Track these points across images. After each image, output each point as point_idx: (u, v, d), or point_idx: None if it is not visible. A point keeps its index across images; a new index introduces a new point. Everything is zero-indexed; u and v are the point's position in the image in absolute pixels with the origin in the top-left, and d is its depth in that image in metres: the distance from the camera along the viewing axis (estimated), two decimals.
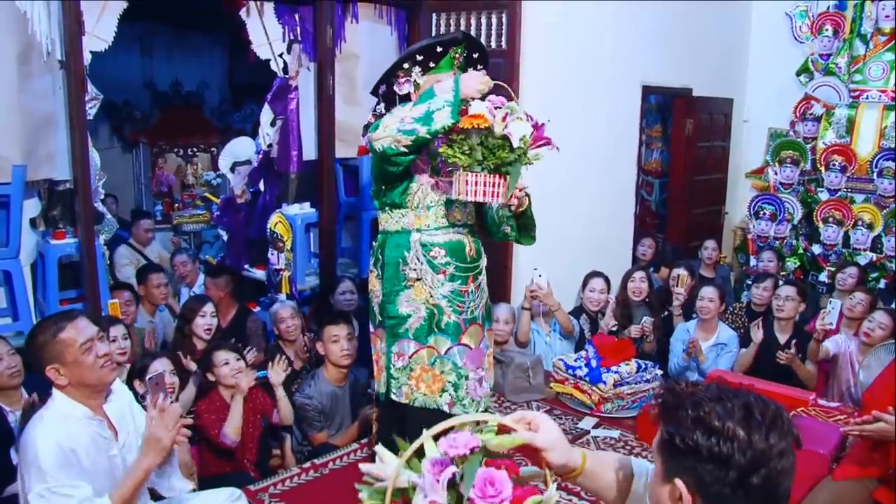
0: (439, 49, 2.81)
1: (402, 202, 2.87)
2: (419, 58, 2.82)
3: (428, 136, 2.61)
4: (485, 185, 2.51)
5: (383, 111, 2.94)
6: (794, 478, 1.32)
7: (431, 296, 2.85)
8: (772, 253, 6.11)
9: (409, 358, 2.87)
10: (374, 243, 3.04)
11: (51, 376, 2.30)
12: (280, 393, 3.66)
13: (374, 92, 3.00)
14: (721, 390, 1.35)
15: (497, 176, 2.51)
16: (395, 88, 2.89)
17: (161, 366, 3.27)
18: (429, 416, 2.90)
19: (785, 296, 4.53)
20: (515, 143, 2.47)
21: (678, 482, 1.33)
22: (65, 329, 2.29)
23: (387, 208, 2.91)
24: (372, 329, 3.04)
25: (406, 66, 2.84)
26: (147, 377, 3.06)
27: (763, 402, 1.33)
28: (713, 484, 1.29)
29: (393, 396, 2.91)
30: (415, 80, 2.83)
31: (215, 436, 3.39)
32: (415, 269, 2.83)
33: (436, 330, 2.88)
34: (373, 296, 2.98)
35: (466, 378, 2.93)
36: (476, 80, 2.63)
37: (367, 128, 2.97)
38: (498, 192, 2.53)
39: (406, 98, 2.89)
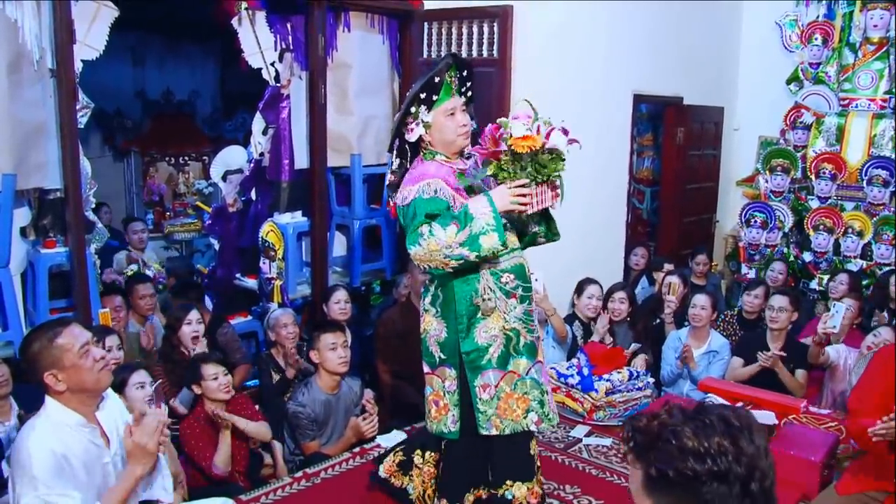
0: (437, 80, 2.77)
1: None
2: (422, 96, 2.77)
3: (477, 260, 2.68)
4: (543, 195, 2.72)
5: (398, 168, 2.88)
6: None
7: (507, 321, 2.82)
8: (783, 265, 6.06)
9: (495, 388, 2.83)
10: (427, 284, 2.97)
11: (49, 382, 2.28)
12: (243, 424, 3.54)
13: (390, 149, 2.91)
14: (684, 412, 1.35)
15: (551, 184, 2.73)
16: (407, 137, 2.82)
17: (139, 378, 3.24)
18: (513, 441, 2.91)
19: (779, 307, 4.52)
20: (565, 154, 2.68)
21: None
22: (61, 335, 2.30)
23: None
24: (428, 370, 2.94)
25: (413, 109, 2.78)
26: (153, 387, 3.09)
27: (732, 408, 1.35)
28: (720, 502, 1.28)
29: (482, 431, 2.84)
30: (423, 122, 2.78)
31: (205, 466, 3.38)
32: (489, 299, 2.79)
33: (513, 353, 2.85)
34: (428, 336, 2.90)
35: (546, 393, 2.95)
36: (507, 194, 2.68)
37: (390, 187, 2.92)
38: (553, 196, 2.77)
39: (417, 146, 2.85)
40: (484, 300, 2.79)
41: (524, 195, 2.66)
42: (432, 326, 2.89)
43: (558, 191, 2.77)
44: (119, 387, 3.19)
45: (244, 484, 3.47)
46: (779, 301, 4.55)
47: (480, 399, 2.83)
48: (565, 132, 2.70)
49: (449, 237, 2.59)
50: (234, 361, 4.49)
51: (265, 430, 3.67)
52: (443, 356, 2.87)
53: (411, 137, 2.82)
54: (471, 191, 2.82)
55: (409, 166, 2.87)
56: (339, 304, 4.59)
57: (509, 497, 2.92)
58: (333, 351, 3.75)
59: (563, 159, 2.69)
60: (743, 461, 1.26)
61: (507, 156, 2.66)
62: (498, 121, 2.72)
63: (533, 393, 2.88)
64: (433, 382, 2.92)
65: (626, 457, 1.41)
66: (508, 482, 2.91)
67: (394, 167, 2.91)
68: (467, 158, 2.91)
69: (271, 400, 4.14)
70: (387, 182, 2.95)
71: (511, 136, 2.62)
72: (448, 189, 2.73)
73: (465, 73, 2.89)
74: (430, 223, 2.64)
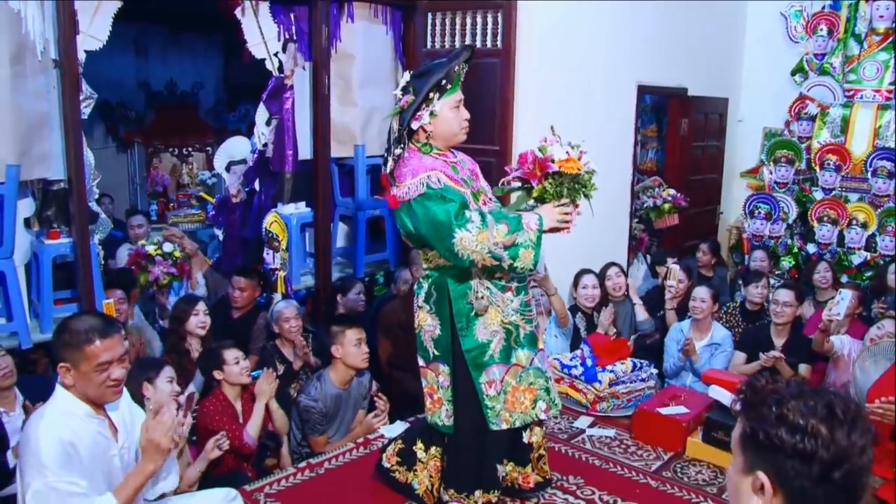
0: (456, 69, 2.75)
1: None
2: (443, 83, 2.73)
3: (507, 268, 2.71)
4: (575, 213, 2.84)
5: (400, 154, 2.79)
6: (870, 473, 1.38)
7: (505, 315, 2.83)
8: (763, 252, 6.12)
9: (501, 383, 2.84)
10: (421, 280, 2.96)
11: (60, 372, 2.32)
12: (273, 405, 3.65)
13: (400, 135, 2.81)
14: (801, 387, 1.40)
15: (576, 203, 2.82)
16: (411, 124, 2.78)
17: (169, 373, 3.25)
18: (512, 434, 2.94)
19: (783, 301, 4.50)
20: (596, 170, 2.80)
21: (761, 475, 1.37)
22: (94, 343, 2.30)
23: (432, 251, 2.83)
24: (423, 364, 2.97)
25: (431, 95, 2.74)
26: (185, 394, 3.13)
27: (844, 400, 1.37)
28: (795, 478, 1.34)
29: (493, 427, 2.86)
30: (431, 111, 2.75)
31: (233, 437, 3.40)
32: (482, 297, 2.79)
33: (515, 346, 2.87)
34: (423, 332, 2.92)
35: (550, 379, 2.97)
36: (555, 213, 2.74)
37: (389, 176, 2.83)
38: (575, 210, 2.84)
39: (415, 134, 2.80)
40: (477, 299, 2.80)
41: (567, 214, 2.75)
42: (427, 323, 2.90)
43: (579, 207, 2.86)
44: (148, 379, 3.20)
45: (250, 474, 3.49)
46: (783, 296, 4.53)
47: (487, 395, 2.84)
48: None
49: (498, 235, 2.62)
50: (252, 350, 4.53)
51: (285, 420, 3.76)
52: (436, 352, 2.90)
53: (415, 124, 2.77)
54: (465, 182, 2.82)
55: (403, 155, 2.81)
56: (360, 297, 4.62)
57: (502, 473, 2.95)
58: (358, 347, 3.78)
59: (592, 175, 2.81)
60: (831, 450, 1.31)
61: (554, 178, 2.73)
62: (538, 148, 2.76)
63: (538, 382, 2.90)
64: (427, 376, 2.96)
65: (731, 408, 1.49)
66: (505, 460, 2.97)
67: (395, 154, 2.80)
68: (453, 153, 2.90)
69: (276, 391, 4.15)
70: (387, 170, 2.82)
71: (557, 159, 2.70)
72: (450, 182, 2.72)
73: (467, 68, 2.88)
74: (480, 212, 2.66)
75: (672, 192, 6.51)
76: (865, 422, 1.36)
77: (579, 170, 2.73)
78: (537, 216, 2.70)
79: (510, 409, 2.86)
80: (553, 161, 2.70)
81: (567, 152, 2.72)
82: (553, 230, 2.76)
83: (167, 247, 4.74)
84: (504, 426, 2.86)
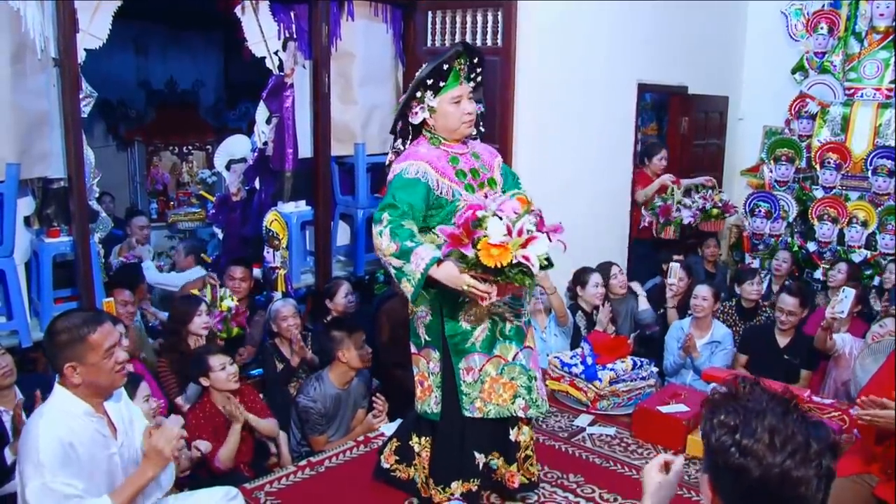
0: (445, 67, 2.78)
1: (448, 224, 2.73)
2: (429, 82, 2.78)
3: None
4: (506, 289, 2.61)
5: (401, 147, 2.90)
6: None
7: (492, 305, 2.80)
8: (788, 254, 6.09)
9: (479, 371, 2.84)
10: None
11: (66, 373, 2.32)
12: (253, 420, 3.56)
13: (393, 130, 2.94)
14: (770, 403, 1.43)
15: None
16: (410, 119, 2.85)
17: (144, 391, 3.24)
18: (495, 426, 2.93)
19: (788, 311, 4.50)
20: (536, 270, 2.49)
21: (704, 477, 1.46)
22: (95, 332, 2.33)
23: (430, 233, 2.80)
24: (415, 351, 2.97)
25: (419, 94, 2.80)
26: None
27: (793, 430, 1.38)
28: (726, 488, 1.40)
29: (465, 413, 2.86)
30: (428, 106, 2.80)
31: (209, 458, 3.38)
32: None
33: (500, 338, 2.86)
34: (416, 317, 2.92)
35: (535, 379, 2.94)
36: (461, 281, 2.52)
37: (388, 166, 2.94)
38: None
39: (418, 128, 2.86)
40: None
41: (480, 291, 2.52)
42: (419, 308, 2.91)
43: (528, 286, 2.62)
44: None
45: (248, 473, 3.48)
46: (789, 304, 4.52)
47: (464, 381, 2.85)
48: (557, 230, 2.60)
49: (386, 250, 2.63)
50: (251, 333, 4.55)
51: (274, 427, 3.72)
52: (427, 338, 2.90)
53: (415, 120, 2.84)
54: (462, 175, 2.83)
55: (403, 149, 2.90)
56: (348, 298, 4.61)
57: (493, 466, 2.96)
58: (362, 349, 3.81)
59: (533, 276, 2.53)
60: (758, 472, 1.35)
61: (473, 258, 2.46)
62: (478, 213, 2.49)
63: (521, 379, 2.89)
64: (419, 363, 2.96)
65: (703, 407, 1.55)
66: (495, 453, 2.96)
67: (396, 148, 2.93)
68: (465, 143, 2.93)
69: (275, 389, 4.16)
70: (387, 162, 2.98)
71: (485, 236, 2.44)
72: (432, 172, 2.75)
73: (475, 60, 2.89)
74: (392, 219, 2.63)
75: (724, 196, 6.38)
76: (812, 454, 1.36)
77: (499, 265, 2.42)
78: (431, 257, 2.54)
79: (485, 399, 2.85)
80: (476, 242, 2.45)
81: (507, 234, 2.42)
82: (457, 290, 2.61)
83: (224, 292, 4.72)
84: (477, 414, 2.85)
